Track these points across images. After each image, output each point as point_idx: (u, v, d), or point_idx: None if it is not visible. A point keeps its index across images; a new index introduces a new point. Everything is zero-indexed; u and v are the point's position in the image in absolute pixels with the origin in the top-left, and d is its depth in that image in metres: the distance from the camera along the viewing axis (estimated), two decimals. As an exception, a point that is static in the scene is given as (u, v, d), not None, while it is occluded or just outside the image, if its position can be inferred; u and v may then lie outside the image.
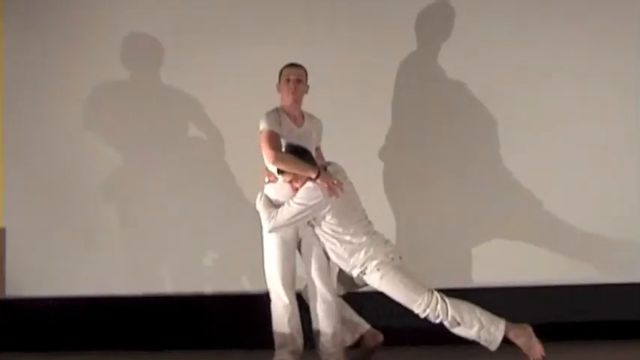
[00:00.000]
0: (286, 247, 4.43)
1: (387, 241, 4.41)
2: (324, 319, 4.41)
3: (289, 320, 4.43)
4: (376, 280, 4.28)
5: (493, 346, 4.18)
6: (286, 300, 4.41)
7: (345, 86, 5.33)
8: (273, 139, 4.36)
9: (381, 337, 4.49)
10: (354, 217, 4.38)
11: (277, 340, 4.45)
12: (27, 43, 5.59)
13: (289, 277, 4.45)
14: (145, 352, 5.24)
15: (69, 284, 5.42)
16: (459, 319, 4.18)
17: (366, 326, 4.55)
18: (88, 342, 5.33)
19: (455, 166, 5.36)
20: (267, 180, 4.47)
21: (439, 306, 4.18)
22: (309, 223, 4.39)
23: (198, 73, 5.47)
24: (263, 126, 4.41)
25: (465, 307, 4.22)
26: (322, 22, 5.47)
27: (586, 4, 5.39)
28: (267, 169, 4.46)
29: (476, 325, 4.17)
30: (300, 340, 4.45)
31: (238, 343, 5.18)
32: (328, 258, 4.44)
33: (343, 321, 4.47)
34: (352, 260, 4.32)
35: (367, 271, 4.30)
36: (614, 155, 5.31)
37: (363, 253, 4.31)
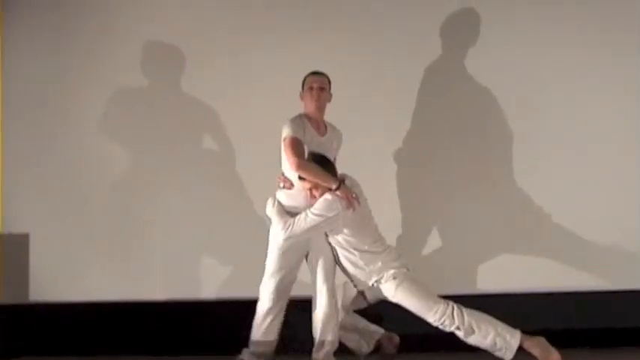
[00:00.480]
0: (293, 256, 4.44)
1: (400, 254, 4.46)
2: (322, 329, 4.43)
3: (268, 325, 4.46)
4: (392, 288, 4.32)
5: (509, 355, 4.20)
6: (272, 306, 4.45)
7: (359, 91, 5.35)
8: (297, 146, 4.35)
9: (397, 339, 4.58)
10: (369, 230, 4.42)
11: (250, 340, 4.51)
12: (42, 47, 5.71)
13: (284, 285, 4.46)
14: (167, 356, 5.26)
15: (92, 289, 5.49)
16: (475, 327, 4.20)
17: (380, 331, 4.61)
18: (111, 347, 5.38)
19: (463, 173, 5.36)
20: (281, 185, 4.45)
21: (455, 313, 4.22)
22: (325, 233, 4.41)
23: (210, 78, 5.52)
24: (287, 132, 4.39)
25: (481, 315, 4.26)
26: (336, 28, 5.48)
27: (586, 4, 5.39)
28: (282, 174, 4.46)
29: (491, 333, 4.20)
30: (272, 345, 4.49)
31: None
32: (341, 269, 4.46)
33: (358, 331, 4.55)
34: (369, 269, 4.35)
35: (383, 280, 4.34)
36: (616, 157, 5.28)
37: (380, 262, 4.35)
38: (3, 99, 5.74)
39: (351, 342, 4.60)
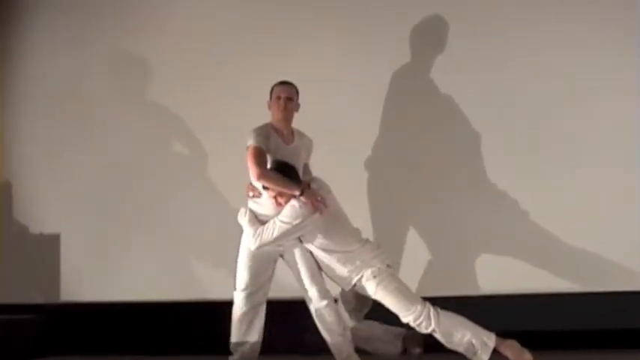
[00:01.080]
0: (260, 260, 4.45)
1: (378, 246, 4.42)
2: (321, 328, 4.42)
3: (245, 328, 4.49)
4: (372, 287, 4.29)
5: (485, 357, 4.14)
6: (245, 309, 4.46)
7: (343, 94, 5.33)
8: (259, 156, 4.36)
9: (420, 336, 4.42)
10: (342, 228, 4.40)
11: (231, 345, 4.51)
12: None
13: (254, 287, 4.47)
14: (197, 356, 5.26)
15: (123, 289, 5.52)
16: (451, 328, 4.18)
17: (402, 330, 4.50)
18: (142, 347, 5.41)
19: (450, 174, 5.28)
20: (250, 194, 4.46)
21: (432, 313, 4.18)
22: (298, 238, 4.40)
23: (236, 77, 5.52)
24: (250, 142, 4.41)
25: (457, 317, 4.24)
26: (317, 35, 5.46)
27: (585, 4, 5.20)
28: (250, 183, 4.46)
29: (468, 334, 4.18)
30: (254, 347, 4.49)
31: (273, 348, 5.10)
32: (324, 272, 4.43)
33: (379, 336, 4.46)
34: (347, 269, 4.33)
35: (364, 279, 4.30)
36: (614, 159, 5.09)
37: (358, 261, 4.32)
38: (30, 99, 5.83)
39: (379, 348, 4.52)
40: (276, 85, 4.60)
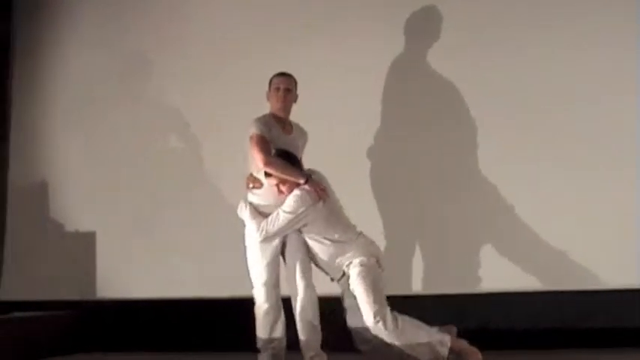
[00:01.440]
0: (271, 251, 4.42)
1: (372, 242, 4.43)
2: (300, 323, 4.40)
3: (271, 324, 4.44)
4: (354, 274, 4.27)
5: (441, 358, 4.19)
6: (268, 304, 4.42)
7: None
8: (264, 143, 4.36)
9: (454, 329, 4.37)
10: (339, 220, 4.41)
11: (259, 343, 4.47)
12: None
13: (273, 280, 4.44)
14: (229, 353, 5.25)
15: (158, 286, 5.54)
16: (409, 334, 4.18)
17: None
18: (176, 343, 5.44)
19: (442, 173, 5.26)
20: (250, 186, 4.45)
21: (392, 317, 4.17)
22: (298, 229, 4.39)
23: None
24: (253, 130, 4.41)
25: (414, 321, 4.23)
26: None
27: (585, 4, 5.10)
28: (251, 175, 4.45)
29: (425, 338, 4.17)
30: (282, 344, 4.45)
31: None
32: (314, 263, 4.42)
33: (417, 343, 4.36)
34: (339, 259, 4.32)
35: (351, 266, 4.29)
36: (612, 157, 5.00)
37: (349, 252, 4.32)
38: (64, 99, 5.91)
39: (379, 349, 4.37)
40: (274, 76, 4.60)
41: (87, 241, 5.71)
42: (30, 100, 5.97)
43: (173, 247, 5.59)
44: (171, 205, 5.63)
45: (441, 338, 4.20)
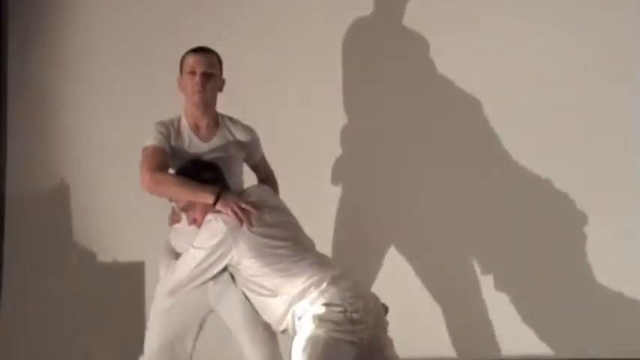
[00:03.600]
0: (181, 316, 3.29)
1: (355, 284, 3.26)
2: None
3: None
4: (305, 331, 3.12)
5: None
6: None
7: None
8: (152, 158, 3.26)
9: None
10: (282, 244, 3.27)
11: None
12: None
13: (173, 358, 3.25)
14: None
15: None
16: None
17: None
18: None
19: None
20: (169, 222, 3.48)
21: None
22: (230, 276, 3.32)
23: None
24: (146, 141, 3.36)
25: None
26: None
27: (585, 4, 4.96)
28: (173, 208, 3.46)
29: None
30: None
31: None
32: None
33: None
34: (282, 298, 3.18)
35: (303, 319, 3.13)
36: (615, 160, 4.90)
37: (294, 292, 3.16)
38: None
39: None
40: (188, 53, 3.34)
41: (136, 271, 5.69)
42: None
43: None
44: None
45: None
